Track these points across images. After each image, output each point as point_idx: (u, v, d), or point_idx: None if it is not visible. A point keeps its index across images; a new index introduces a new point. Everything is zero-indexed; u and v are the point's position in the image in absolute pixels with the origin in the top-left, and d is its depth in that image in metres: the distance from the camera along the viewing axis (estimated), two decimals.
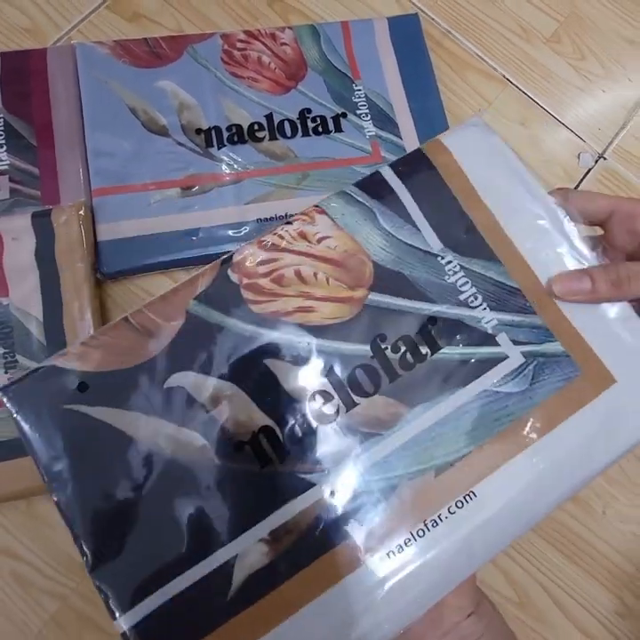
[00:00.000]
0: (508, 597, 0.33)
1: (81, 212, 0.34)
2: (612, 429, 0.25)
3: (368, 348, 0.26)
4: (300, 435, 0.25)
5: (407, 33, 0.41)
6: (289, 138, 0.38)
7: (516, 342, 0.26)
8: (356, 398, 0.25)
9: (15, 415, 0.24)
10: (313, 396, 0.25)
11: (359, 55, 0.40)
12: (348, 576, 0.23)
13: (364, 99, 0.39)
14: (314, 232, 0.27)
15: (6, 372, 0.31)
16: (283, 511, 0.23)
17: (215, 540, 0.23)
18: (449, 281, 0.27)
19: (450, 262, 0.27)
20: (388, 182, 0.28)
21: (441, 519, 0.24)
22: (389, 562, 0.23)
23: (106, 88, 0.37)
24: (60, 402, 0.24)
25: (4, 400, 0.24)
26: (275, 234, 0.27)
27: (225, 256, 0.27)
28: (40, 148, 0.36)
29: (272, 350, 0.26)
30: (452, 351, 0.26)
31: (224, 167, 0.36)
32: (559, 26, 0.44)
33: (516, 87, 0.43)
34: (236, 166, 0.37)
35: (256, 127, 0.37)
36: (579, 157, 0.42)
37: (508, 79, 0.43)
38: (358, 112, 0.39)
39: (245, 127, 0.37)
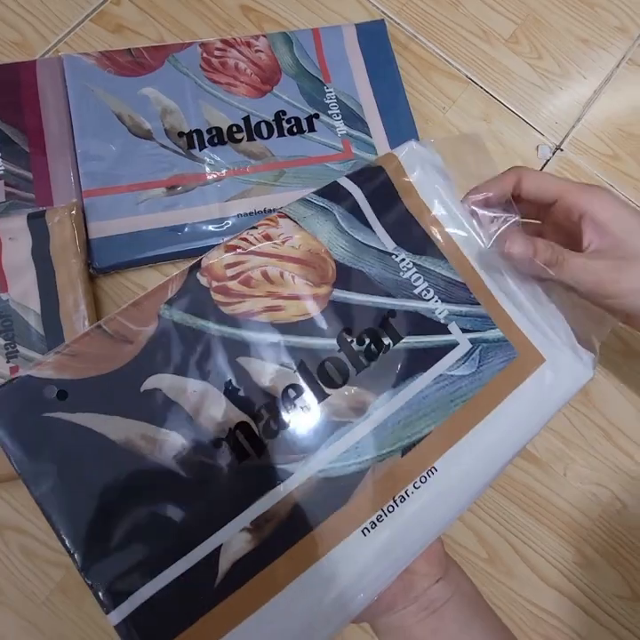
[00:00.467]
0: (478, 554, 0.36)
1: (73, 213, 0.36)
2: (544, 400, 0.28)
3: (335, 341, 0.27)
4: (275, 428, 0.26)
5: (374, 38, 0.44)
6: (266, 138, 0.40)
7: (464, 330, 0.29)
8: (326, 390, 0.27)
9: None
10: (285, 391, 0.26)
11: (330, 60, 0.43)
12: (326, 554, 0.25)
13: (334, 100, 0.42)
14: (278, 233, 0.29)
15: (8, 362, 0.34)
16: (263, 501, 0.25)
17: (200, 533, 0.24)
18: (404, 277, 0.29)
19: (403, 260, 0.29)
20: (346, 188, 0.30)
21: (408, 494, 0.26)
22: (364, 538, 0.25)
23: (93, 96, 0.39)
24: (39, 410, 0.24)
25: None
26: (240, 238, 0.28)
27: (194, 262, 0.28)
28: (33, 154, 0.38)
29: (244, 349, 0.27)
30: (411, 340, 0.28)
31: (206, 167, 0.39)
32: (517, 28, 0.47)
33: (478, 86, 0.46)
34: (216, 166, 0.39)
35: (234, 129, 0.40)
36: (537, 150, 0.45)
37: (470, 78, 0.46)
38: (330, 113, 0.41)
39: (225, 129, 0.40)
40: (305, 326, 0.27)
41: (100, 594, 0.23)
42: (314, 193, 0.30)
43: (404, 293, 0.29)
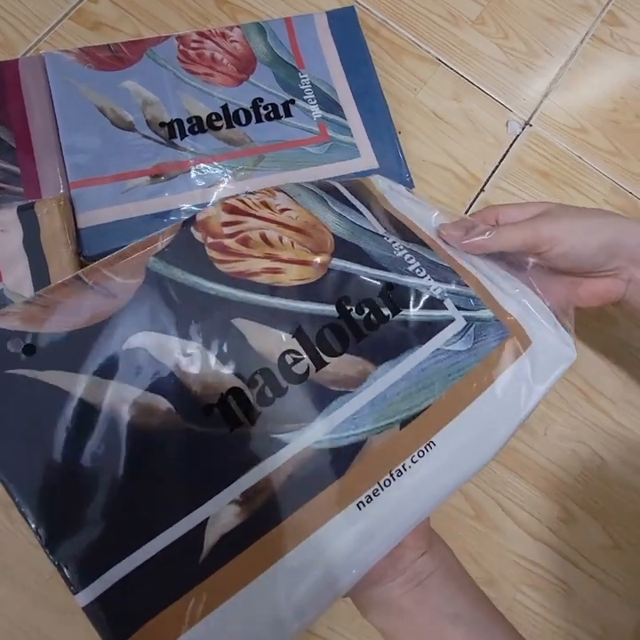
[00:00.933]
0: (465, 512, 0.38)
1: (61, 204, 0.38)
2: (533, 378, 0.28)
3: (334, 308, 0.26)
4: (270, 396, 0.24)
5: (345, 24, 0.45)
6: (244, 125, 0.42)
7: (458, 308, 0.29)
8: (325, 357, 0.25)
9: None
10: (282, 356, 0.25)
11: (303, 47, 0.44)
12: (320, 529, 0.23)
13: (309, 86, 0.43)
14: (275, 203, 0.28)
15: None
16: (254, 472, 0.23)
17: (184, 505, 0.22)
18: (397, 255, 0.29)
19: (394, 242, 0.30)
20: (332, 184, 0.31)
21: (405, 468, 0.25)
22: (359, 512, 0.24)
23: (75, 91, 0.41)
24: (2, 366, 0.22)
25: None
26: (238, 199, 0.28)
27: (187, 217, 0.26)
28: (19, 150, 0.39)
29: (240, 310, 0.25)
30: (409, 313, 0.28)
31: (188, 155, 0.40)
32: (483, 9, 0.49)
33: (448, 67, 0.47)
34: (198, 154, 0.41)
35: (214, 117, 0.41)
36: (507, 126, 0.46)
37: (440, 60, 0.47)
38: (305, 98, 0.43)
39: (204, 118, 0.41)
40: (304, 291, 0.26)
41: (67, 572, 0.20)
42: (305, 183, 0.31)
43: (399, 269, 0.29)
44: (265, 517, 0.23)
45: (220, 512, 0.22)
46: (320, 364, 0.25)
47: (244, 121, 0.42)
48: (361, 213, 0.31)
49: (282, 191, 0.30)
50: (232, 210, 0.27)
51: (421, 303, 0.28)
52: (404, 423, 0.25)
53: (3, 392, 0.21)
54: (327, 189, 0.31)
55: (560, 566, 0.38)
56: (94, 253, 0.38)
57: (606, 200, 0.45)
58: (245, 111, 0.42)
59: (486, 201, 0.44)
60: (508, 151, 0.45)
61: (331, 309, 0.26)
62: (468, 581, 0.28)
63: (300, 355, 0.25)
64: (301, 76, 0.43)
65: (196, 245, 0.26)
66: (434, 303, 0.28)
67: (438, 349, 0.27)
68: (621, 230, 0.31)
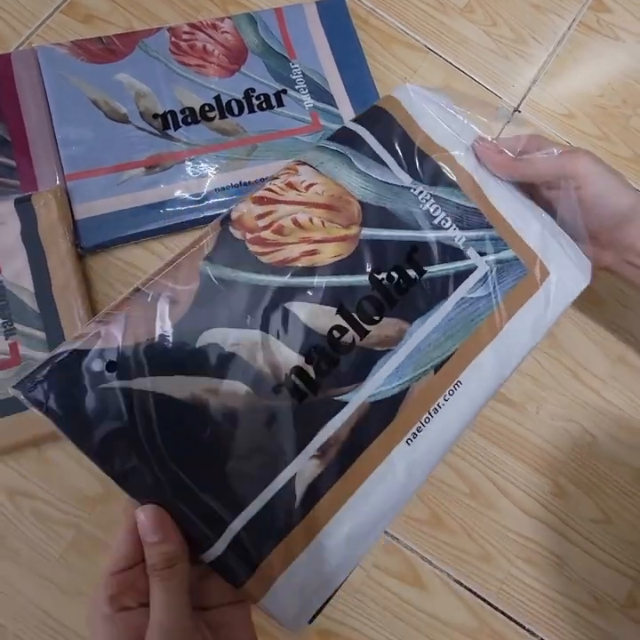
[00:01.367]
0: (460, 489, 0.39)
1: (58, 195, 0.38)
2: (548, 309, 0.32)
3: (367, 279, 0.30)
4: (325, 368, 0.28)
5: (335, 14, 0.46)
6: (237, 115, 0.42)
7: (480, 254, 0.32)
8: (366, 327, 0.29)
9: (45, 411, 0.23)
10: (331, 331, 0.29)
11: (293, 37, 0.45)
12: (380, 465, 0.28)
13: (300, 75, 0.44)
14: (300, 181, 0.30)
15: (7, 339, 0.36)
16: (325, 430, 0.28)
17: (275, 467, 0.27)
18: (423, 208, 0.32)
19: (421, 192, 0.32)
20: (354, 131, 0.32)
21: (440, 406, 0.30)
22: (408, 447, 0.29)
23: (68, 84, 0.41)
24: (93, 384, 0.24)
25: (24, 399, 0.23)
26: (265, 188, 0.29)
27: (222, 215, 0.28)
28: (15, 143, 0.40)
29: (289, 294, 0.28)
30: (434, 270, 0.31)
31: (181, 146, 0.41)
32: None
33: (437, 55, 0.48)
34: (191, 144, 0.41)
35: (207, 108, 0.42)
36: (496, 112, 0.47)
37: (429, 48, 0.48)
38: (297, 87, 0.43)
39: (197, 109, 0.42)
40: (341, 266, 0.29)
41: (204, 528, 0.25)
42: (326, 139, 0.32)
43: (425, 225, 0.31)
44: (338, 464, 0.28)
45: (304, 467, 0.27)
46: (363, 333, 0.29)
47: (236, 111, 0.42)
48: (385, 164, 0.32)
49: (304, 163, 0.31)
50: (261, 201, 0.29)
51: (445, 257, 0.31)
52: (436, 368, 0.30)
53: (101, 408, 0.24)
54: (351, 141, 0.32)
55: (553, 540, 0.39)
56: (91, 244, 0.39)
57: None
58: (238, 102, 0.42)
59: None
60: (497, 138, 0.46)
61: (365, 280, 0.30)
62: None
63: (346, 328, 0.29)
64: (293, 66, 0.44)
65: (238, 243, 0.28)
66: (457, 254, 0.31)
67: (462, 298, 0.31)
68: None
